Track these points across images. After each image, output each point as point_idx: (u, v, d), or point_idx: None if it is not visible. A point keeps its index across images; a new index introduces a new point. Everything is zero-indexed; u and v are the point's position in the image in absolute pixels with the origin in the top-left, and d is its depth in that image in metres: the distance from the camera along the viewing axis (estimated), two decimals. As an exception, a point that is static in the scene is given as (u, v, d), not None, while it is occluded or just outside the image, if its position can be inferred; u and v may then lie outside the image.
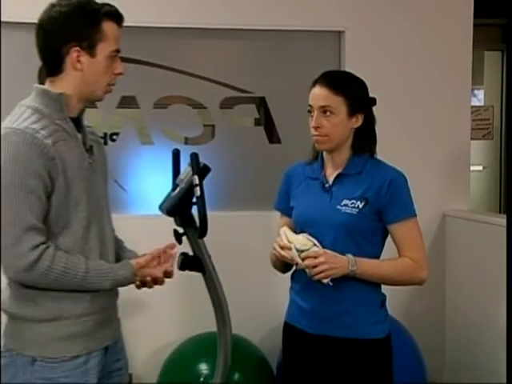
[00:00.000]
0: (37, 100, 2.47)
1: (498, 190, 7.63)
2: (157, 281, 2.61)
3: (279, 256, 2.82)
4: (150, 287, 2.62)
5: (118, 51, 2.51)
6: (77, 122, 2.53)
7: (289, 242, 2.78)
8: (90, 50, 2.44)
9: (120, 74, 2.54)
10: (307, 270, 2.74)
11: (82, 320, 2.48)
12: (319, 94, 2.85)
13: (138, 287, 2.63)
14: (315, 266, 2.71)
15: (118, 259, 2.67)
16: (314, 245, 2.76)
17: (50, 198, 2.38)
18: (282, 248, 2.79)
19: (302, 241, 2.78)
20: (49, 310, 2.44)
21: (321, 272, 2.71)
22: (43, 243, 2.35)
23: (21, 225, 2.32)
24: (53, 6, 2.46)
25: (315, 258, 2.72)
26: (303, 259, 2.74)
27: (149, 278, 2.58)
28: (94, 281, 2.44)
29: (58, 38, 2.43)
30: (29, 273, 2.33)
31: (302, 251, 2.75)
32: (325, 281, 2.74)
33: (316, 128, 2.84)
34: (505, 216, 4.27)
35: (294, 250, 2.75)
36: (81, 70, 2.46)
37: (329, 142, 2.86)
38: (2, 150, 2.35)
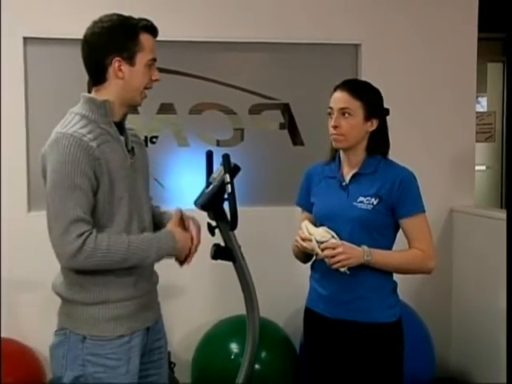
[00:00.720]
0: (84, 107, 2.50)
1: (500, 188, 7.60)
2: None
3: (301, 247, 2.82)
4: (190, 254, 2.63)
5: (154, 60, 2.53)
6: (119, 125, 2.55)
7: (309, 234, 2.78)
8: (130, 59, 2.47)
9: (157, 80, 2.56)
10: (326, 260, 2.74)
11: (126, 304, 2.50)
12: (340, 98, 2.86)
13: (181, 261, 2.64)
14: (333, 256, 2.71)
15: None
16: (333, 237, 2.76)
17: (96, 194, 2.41)
18: (304, 240, 2.79)
19: (322, 233, 2.77)
20: (96, 295, 2.47)
21: (338, 261, 2.71)
22: (87, 231, 2.37)
23: (68, 217, 2.35)
24: (95, 22, 2.49)
25: (333, 248, 2.72)
26: (322, 250, 2.74)
27: (186, 236, 2.59)
28: (140, 248, 2.44)
29: (102, 51, 2.46)
30: (76, 258, 2.35)
31: (322, 242, 2.74)
32: (342, 269, 2.74)
33: (335, 127, 2.85)
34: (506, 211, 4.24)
35: (314, 242, 2.75)
36: (122, 78, 2.48)
37: (345, 141, 2.86)
38: (54, 152, 2.39)
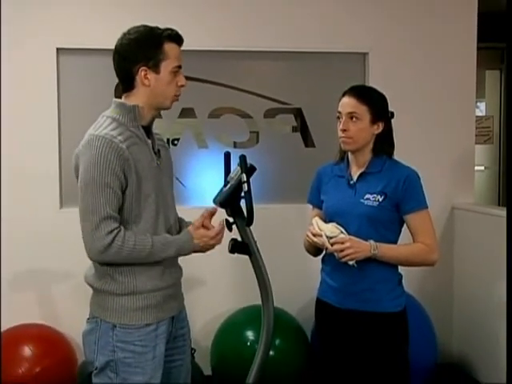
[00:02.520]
0: (115, 111, 2.51)
1: (497, 187, 7.57)
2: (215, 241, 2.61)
3: (311, 242, 2.81)
4: (212, 247, 2.62)
5: (179, 67, 2.53)
6: (147, 129, 2.56)
7: (320, 230, 2.77)
8: (155, 68, 2.47)
9: (182, 86, 2.56)
10: (336, 254, 2.73)
11: (153, 294, 2.51)
12: (348, 103, 2.84)
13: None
14: (342, 250, 2.70)
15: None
16: (341, 232, 2.75)
17: (124, 192, 2.42)
18: (314, 235, 2.78)
19: (331, 229, 2.76)
20: (125, 286, 2.48)
21: (347, 255, 2.70)
22: (116, 228, 2.39)
23: (99, 214, 2.36)
24: (124, 34, 2.51)
25: (342, 243, 2.71)
26: (332, 244, 2.72)
27: (206, 239, 2.58)
28: (161, 250, 2.46)
29: (129, 61, 2.47)
30: (105, 253, 2.38)
31: (331, 238, 2.73)
32: (350, 262, 2.73)
33: (343, 131, 2.84)
34: (504, 208, 4.23)
35: (324, 237, 2.74)
36: (148, 86, 2.49)
37: (353, 143, 2.85)
38: (87, 152, 2.40)
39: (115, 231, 2.38)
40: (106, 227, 2.36)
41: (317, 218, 2.84)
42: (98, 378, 2.51)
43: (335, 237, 2.73)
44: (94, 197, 2.37)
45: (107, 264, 2.47)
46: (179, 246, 2.52)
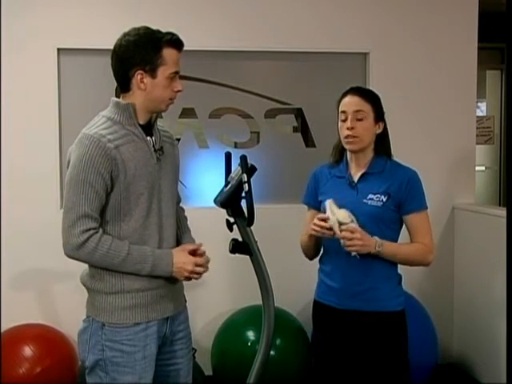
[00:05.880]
0: (111, 110, 2.51)
1: (498, 187, 7.58)
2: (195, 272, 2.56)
3: (316, 229, 2.74)
4: (187, 272, 2.55)
5: (177, 72, 2.51)
6: (148, 127, 2.55)
7: (333, 213, 2.73)
8: (152, 72, 2.46)
9: (179, 91, 2.54)
10: (342, 241, 2.70)
11: (141, 294, 2.50)
12: (353, 101, 2.85)
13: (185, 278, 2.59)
14: (350, 239, 2.68)
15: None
16: (352, 221, 2.72)
17: (111, 191, 2.43)
18: (322, 220, 2.73)
19: (344, 214, 2.71)
20: (113, 285, 2.48)
21: (354, 245, 2.68)
22: (94, 229, 2.39)
23: (77, 211, 2.38)
24: (124, 35, 2.49)
25: (352, 232, 2.69)
26: (341, 231, 2.70)
27: (181, 264, 2.51)
28: (136, 261, 2.44)
29: (126, 63, 2.46)
30: (78, 251, 2.39)
31: (342, 224, 2.70)
32: (353, 253, 2.71)
33: (351, 129, 2.82)
34: (504, 208, 4.22)
35: (335, 221, 2.69)
36: (144, 90, 2.48)
37: (360, 142, 2.85)
38: (76, 150, 2.43)
39: (91, 231, 2.38)
40: (81, 225, 2.37)
41: (331, 201, 2.78)
42: (90, 377, 2.53)
43: (346, 224, 2.71)
44: (74, 194, 2.38)
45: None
46: (155, 261, 2.46)
